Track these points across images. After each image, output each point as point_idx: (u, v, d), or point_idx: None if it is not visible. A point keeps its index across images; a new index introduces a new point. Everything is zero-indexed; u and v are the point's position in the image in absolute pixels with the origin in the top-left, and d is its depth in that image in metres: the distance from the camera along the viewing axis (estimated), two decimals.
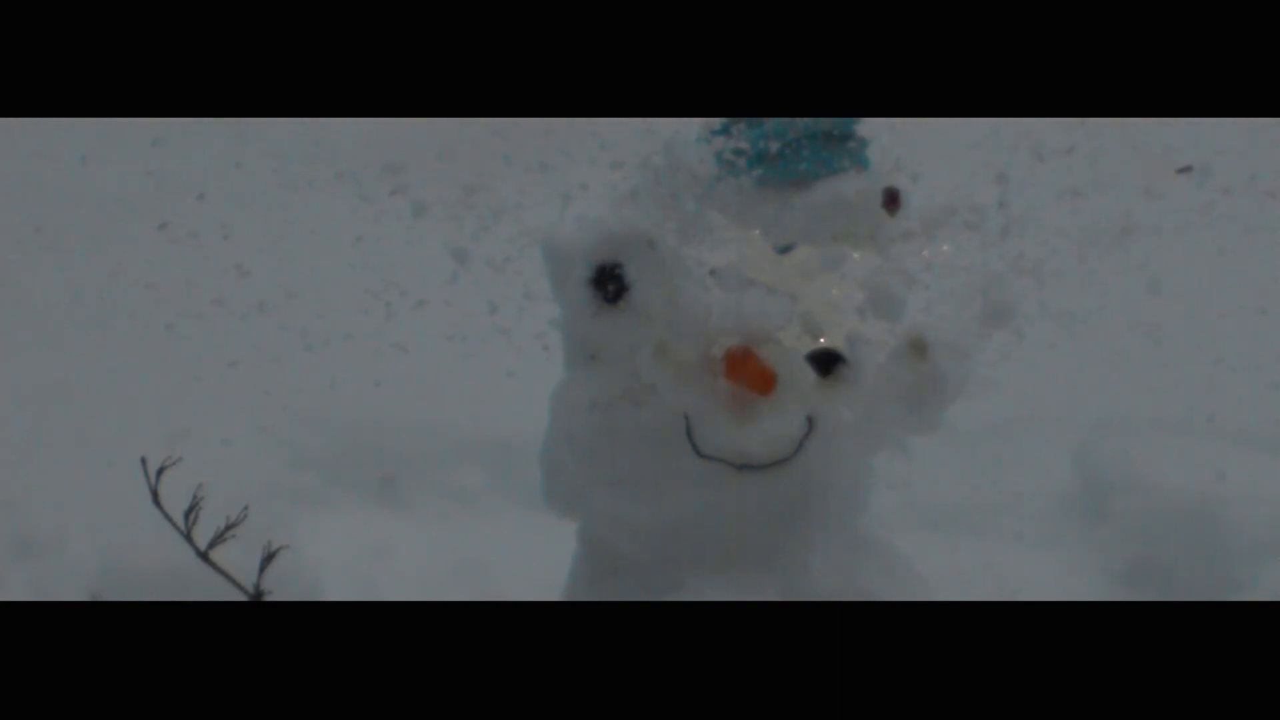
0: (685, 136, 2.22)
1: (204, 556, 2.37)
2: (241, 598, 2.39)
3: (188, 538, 2.36)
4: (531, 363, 2.37)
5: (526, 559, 3.16)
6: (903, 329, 2.19)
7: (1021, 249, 2.23)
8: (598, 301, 2.15)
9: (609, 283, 2.14)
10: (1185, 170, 2.41)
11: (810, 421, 2.16)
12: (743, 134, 2.17)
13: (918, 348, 2.17)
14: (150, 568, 3.63)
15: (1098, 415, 4.50)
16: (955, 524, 4.18)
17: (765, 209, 2.18)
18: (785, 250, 2.22)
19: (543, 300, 2.28)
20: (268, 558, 2.39)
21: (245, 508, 2.38)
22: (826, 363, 2.16)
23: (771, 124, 2.17)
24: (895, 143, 2.27)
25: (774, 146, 2.15)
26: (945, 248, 2.23)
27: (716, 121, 2.21)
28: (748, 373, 2.13)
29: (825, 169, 2.18)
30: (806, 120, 2.19)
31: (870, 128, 2.26)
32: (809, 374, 2.16)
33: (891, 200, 2.19)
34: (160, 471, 2.38)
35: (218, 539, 2.36)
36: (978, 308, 2.19)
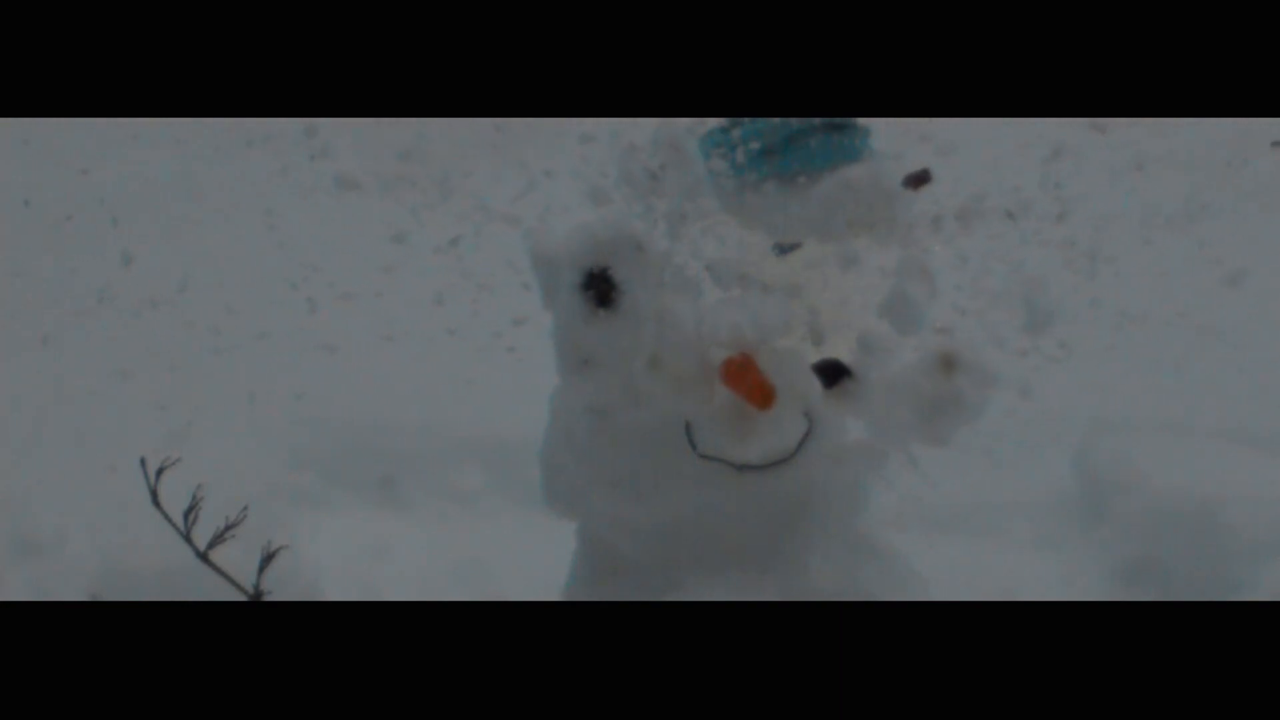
0: (673, 129, 2.12)
1: (203, 557, 2.37)
2: (241, 598, 2.39)
3: (187, 538, 2.36)
4: (494, 364, 2.21)
5: (526, 559, 3.15)
6: (933, 342, 2.10)
7: (1073, 235, 2.02)
8: (589, 307, 2.13)
9: (599, 288, 2.13)
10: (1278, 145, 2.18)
11: (809, 421, 2.16)
12: (743, 130, 2.13)
13: (946, 364, 2.11)
14: (150, 568, 3.63)
15: (1097, 415, 4.49)
16: (955, 524, 4.18)
17: (771, 205, 2.13)
18: (788, 251, 2.20)
19: (503, 291, 2.09)
20: (267, 558, 2.39)
21: (245, 508, 2.38)
22: (832, 375, 2.14)
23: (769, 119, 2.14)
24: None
25: (775, 138, 2.12)
26: (961, 241, 2.04)
27: (715, 123, 2.18)
28: (746, 385, 2.11)
29: (832, 159, 2.13)
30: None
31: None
32: (814, 383, 2.14)
33: (918, 179, 2.09)
34: (160, 472, 2.38)
35: (217, 539, 2.36)
36: (1020, 314, 2.02)
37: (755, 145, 2.11)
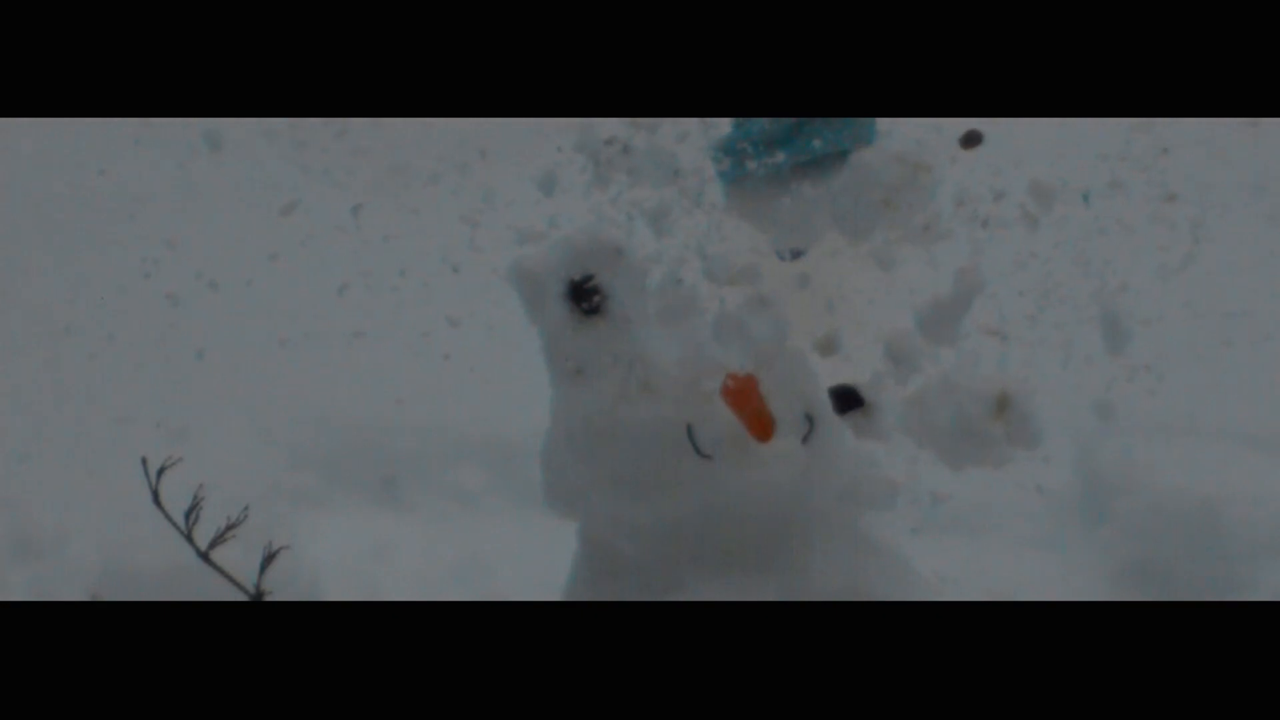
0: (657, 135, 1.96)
1: (204, 557, 2.37)
2: (242, 598, 2.39)
3: (188, 538, 2.36)
4: (496, 364, 2.08)
5: (526, 559, 3.14)
6: (990, 376, 1.88)
7: (1164, 214, 1.68)
8: (576, 315, 2.12)
9: (585, 295, 2.11)
10: None
11: (810, 420, 2.15)
12: (748, 128, 2.05)
13: (1001, 405, 1.92)
14: (150, 568, 3.64)
15: (1098, 415, 4.48)
16: (955, 524, 4.18)
17: (788, 198, 2.02)
18: (795, 257, 2.15)
19: (431, 279, 1.78)
20: (268, 558, 2.39)
21: (245, 508, 2.38)
22: (845, 402, 2.12)
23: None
24: None
25: (781, 128, 2.02)
26: (1022, 230, 1.68)
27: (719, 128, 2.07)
28: (746, 412, 2.08)
29: (846, 133, 2.00)
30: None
31: None
32: (817, 385, 2.12)
33: (972, 138, 1.88)
34: (160, 471, 2.38)
35: (218, 539, 2.36)
36: (1095, 323, 1.71)
37: (761, 137, 2.04)
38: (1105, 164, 1.69)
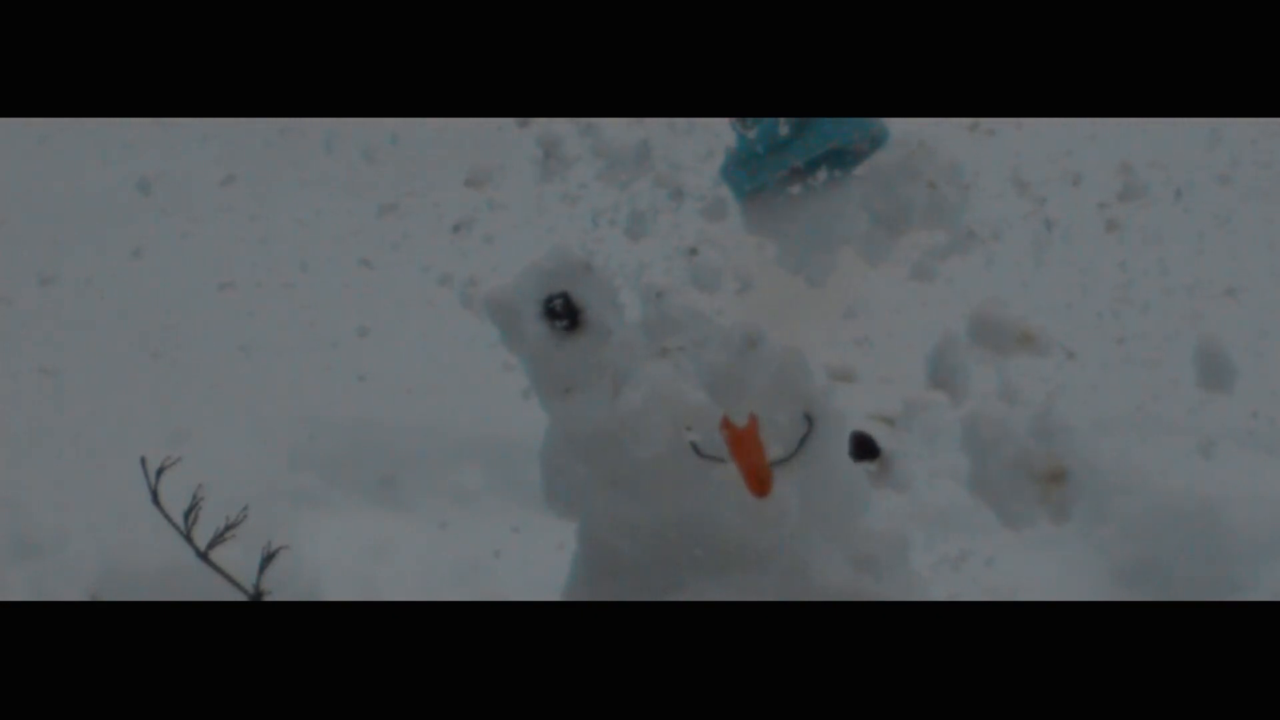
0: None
1: (204, 557, 2.37)
2: (241, 598, 2.39)
3: (188, 538, 2.36)
4: (497, 364, 2.11)
5: (526, 559, 3.15)
6: (1049, 449, 1.72)
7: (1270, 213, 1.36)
8: (556, 334, 2.12)
9: (560, 314, 2.11)
10: None
11: (810, 420, 2.15)
12: (756, 131, 1.97)
13: (1054, 477, 1.79)
14: (150, 568, 3.64)
15: (1097, 414, 4.49)
16: (956, 524, 4.18)
17: (806, 211, 1.91)
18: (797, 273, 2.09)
19: (329, 277, 1.56)
20: (267, 558, 2.39)
21: (245, 508, 2.38)
22: (860, 450, 2.10)
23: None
24: None
25: (786, 128, 1.95)
26: (1092, 232, 1.39)
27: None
28: (744, 464, 2.06)
29: (855, 128, 1.88)
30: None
31: None
32: (815, 384, 2.12)
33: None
34: (160, 472, 2.38)
35: (217, 539, 2.36)
36: (1189, 357, 1.37)
37: (770, 140, 1.96)
38: (1213, 154, 1.34)
